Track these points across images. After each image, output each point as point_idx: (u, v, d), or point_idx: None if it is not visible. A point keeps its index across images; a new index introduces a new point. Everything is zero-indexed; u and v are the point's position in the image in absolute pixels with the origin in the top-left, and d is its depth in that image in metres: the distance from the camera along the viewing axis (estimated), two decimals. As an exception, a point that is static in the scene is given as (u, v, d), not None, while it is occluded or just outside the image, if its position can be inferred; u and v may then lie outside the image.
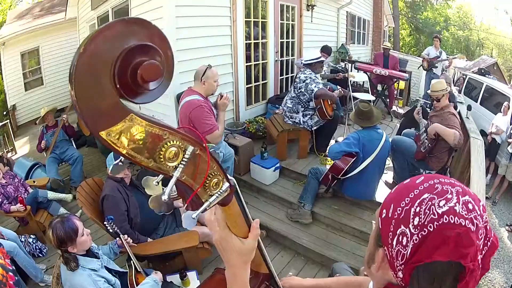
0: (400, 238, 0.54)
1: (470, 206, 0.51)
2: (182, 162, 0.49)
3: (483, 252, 0.53)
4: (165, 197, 0.48)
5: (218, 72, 2.76)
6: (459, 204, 0.51)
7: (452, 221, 0.50)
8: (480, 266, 0.52)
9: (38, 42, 7.37)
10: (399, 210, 0.55)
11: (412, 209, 0.53)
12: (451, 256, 0.49)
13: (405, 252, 0.53)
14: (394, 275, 0.57)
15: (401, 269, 0.55)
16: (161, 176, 0.51)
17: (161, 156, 0.47)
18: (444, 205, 0.51)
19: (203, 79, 2.63)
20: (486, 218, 0.53)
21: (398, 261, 0.55)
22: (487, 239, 0.53)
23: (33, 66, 7.56)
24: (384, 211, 0.59)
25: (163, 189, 0.49)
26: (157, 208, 0.50)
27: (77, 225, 1.78)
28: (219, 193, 0.56)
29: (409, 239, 0.53)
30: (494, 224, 5.16)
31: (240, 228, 0.66)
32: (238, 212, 0.65)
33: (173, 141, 0.48)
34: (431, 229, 0.51)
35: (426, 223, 0.51)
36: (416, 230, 0.52)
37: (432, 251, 0.50)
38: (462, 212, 0.50)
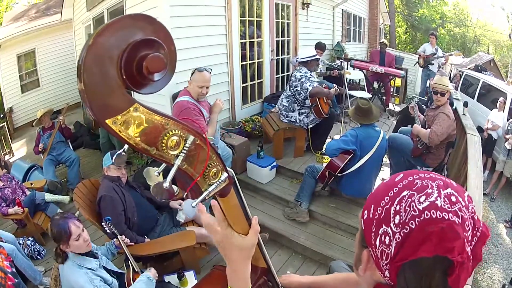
0: (383, 238, 0.53)
1: (453, 199, 0.50)
2: (183, 151, 0.51)
3: (473, 243, 0.51)
4: (166, 184, 0.50)
5: (211, 78, 2.69)
6: (440, 198, 0.50)
7: (434, 216, 0.48)
8: (471, 257, 0.50)
9: (34, 44, 7.34)
10: (379, 210, 0.54)
11: (392, 208, 0.52)
12: (436, 251, 0.48)
13: (389, 252, 0.52)
14: (382, 275, 0.56)
15: (387, 269, 0.54)
16: (162, 167, 0.53)
17: (163, 144, 0.49)
18: (424, 200, 0.50)
19: (190, 80, 2.65)
20: (472, 208, 0.52)
21: (383, 261, 0.54)
22: (476, 229, 0.51)
23: (29, 68, 7.53)
24: (366, 212, 0.58)
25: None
26: (158, 195, 0.51)
27: (71, 230, 1.75)
28: (218, 182, 0.58)
29: (391, 238, 0.51)
30: (492, 220, 5.18)
31: (240, 225, 0.67)
32: (237, 204, 0.66)
33: (175, 131, 0.50)
34: (413, 226, 0.49)
35: (407, 220, 0.50)
36: (398, 228, 0.51)
37: (416, 248, 0.49)
38: (444, 205, 0.49)
